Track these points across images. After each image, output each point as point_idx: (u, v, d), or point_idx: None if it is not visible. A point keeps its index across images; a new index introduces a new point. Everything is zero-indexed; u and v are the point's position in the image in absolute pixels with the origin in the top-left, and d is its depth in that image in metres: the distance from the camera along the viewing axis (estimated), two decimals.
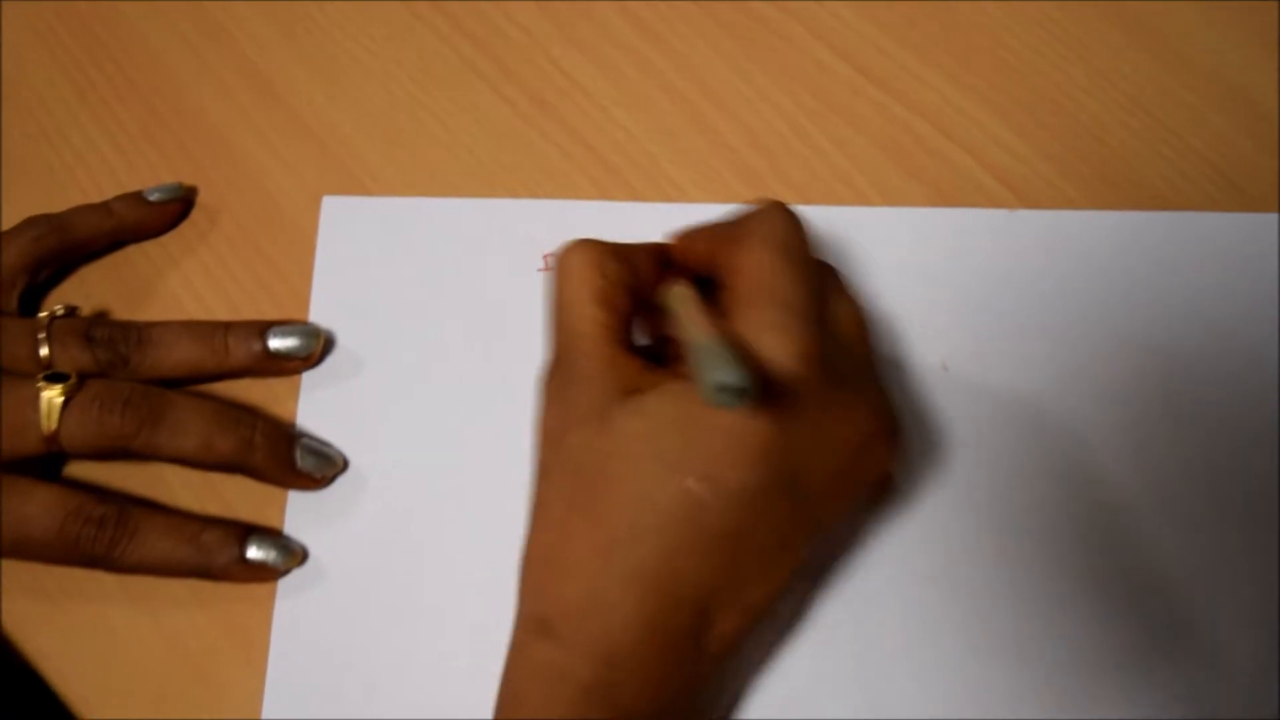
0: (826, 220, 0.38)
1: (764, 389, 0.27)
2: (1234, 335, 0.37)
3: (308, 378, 0.37)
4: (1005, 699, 0.32)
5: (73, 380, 0.33)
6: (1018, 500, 0.35)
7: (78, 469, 0.36)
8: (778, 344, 0.28)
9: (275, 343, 0.36)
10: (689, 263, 0.33)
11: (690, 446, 0.27)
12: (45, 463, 0.35)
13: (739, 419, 0.27)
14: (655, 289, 0.32)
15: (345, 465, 0.36)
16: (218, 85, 0.42)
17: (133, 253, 0.40)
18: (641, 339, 0.34)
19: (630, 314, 0.31)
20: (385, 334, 0.38)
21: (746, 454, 0.27)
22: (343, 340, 0.38)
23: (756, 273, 0.29)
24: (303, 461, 0.35)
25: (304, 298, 0.38)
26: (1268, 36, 0.42)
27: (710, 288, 0.32)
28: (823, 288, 0.31)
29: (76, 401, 0.33)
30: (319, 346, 0.37)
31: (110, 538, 0.33)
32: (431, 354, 0.37)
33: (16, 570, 0.35)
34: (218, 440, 0.34)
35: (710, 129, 0.41)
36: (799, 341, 0.28)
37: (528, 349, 0.37)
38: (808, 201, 0.39)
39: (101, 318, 0.38)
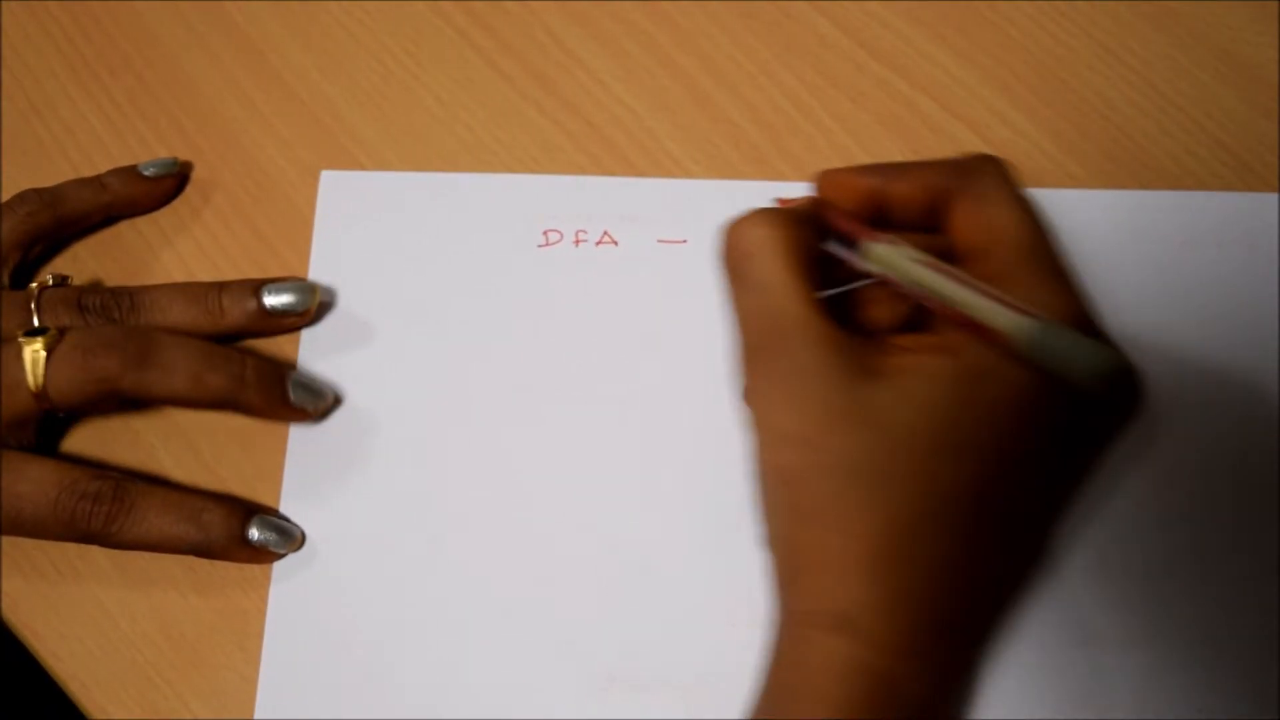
0: None
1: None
2: (1236, 317, 0.36)
3: (305, 354, 0.37)
4: (1003, 698, 0.32)
5: (53, 333, 0.33)
6: None
7: (73, 445, 0.36)
8: (1064, 310, 0.27)
9: (270, 299, 0.36)
10: (898, 210, 0.30)
11: (979, 429, 0.26)
12: (42, 436, 0.34)
13: (1031, 394, 0.26)
14: (855, 244, 0.29)
15: (338, 401, 0.36)
16: (210, 58, 0.42)
17: (125, 229, 0.39)
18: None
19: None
20: (383, 310, 0.37)
21: (1050, 431, 0.26)
22: (340, 315, 0.37)
23: (1018, 233, 0.27)
24: (295, 395, 0.34)
25: (298, 274, 0.38)
26: None
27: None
28: None
29: (59, 351, 0.33)
30: (315, 301, 0.36)
31: (107, 513, 0.32)
32: (429, 331, 0.37)
33: (12, 550, 0.34)
34: (209, 377, 0.33)
35: (711, 104, 0.40)
36: (1082, 307, 0.27)
37: (527, 325, 0.37)
38: (809, 179, 0.39)
39: (93, 286, 0.38)
